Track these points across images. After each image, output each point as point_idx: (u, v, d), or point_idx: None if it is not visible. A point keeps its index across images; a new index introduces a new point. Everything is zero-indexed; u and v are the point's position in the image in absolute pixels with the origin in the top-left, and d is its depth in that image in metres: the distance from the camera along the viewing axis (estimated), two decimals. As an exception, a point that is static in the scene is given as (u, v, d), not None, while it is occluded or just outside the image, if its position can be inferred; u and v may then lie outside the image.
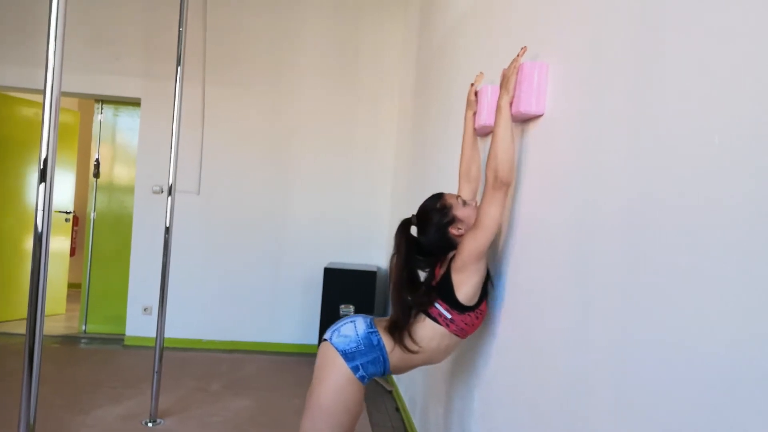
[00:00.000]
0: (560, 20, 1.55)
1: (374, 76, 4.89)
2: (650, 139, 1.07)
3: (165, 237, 3.15)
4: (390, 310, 1.83)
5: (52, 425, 2.90)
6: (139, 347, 4.57)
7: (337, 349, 1.73)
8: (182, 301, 4.58)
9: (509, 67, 1.66)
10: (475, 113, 1.99)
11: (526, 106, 1.59)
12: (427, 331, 1.75)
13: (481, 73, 2.01)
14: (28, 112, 5.24)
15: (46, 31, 1.73)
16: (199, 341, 4.73)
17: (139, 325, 4.67)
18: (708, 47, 0.93)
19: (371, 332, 1.76)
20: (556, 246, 1.45)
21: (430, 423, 2.66)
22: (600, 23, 1.32)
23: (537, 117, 1.63)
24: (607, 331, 1.17)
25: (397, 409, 3.49)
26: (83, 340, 4.77)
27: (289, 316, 4.80)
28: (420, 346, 1.74)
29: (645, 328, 1.03)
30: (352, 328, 1.77)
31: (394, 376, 3.93)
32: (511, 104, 1.64)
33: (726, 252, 0.85)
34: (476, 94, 1.99)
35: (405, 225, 1.88)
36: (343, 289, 4.27)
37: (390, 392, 3.83)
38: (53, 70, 1.73)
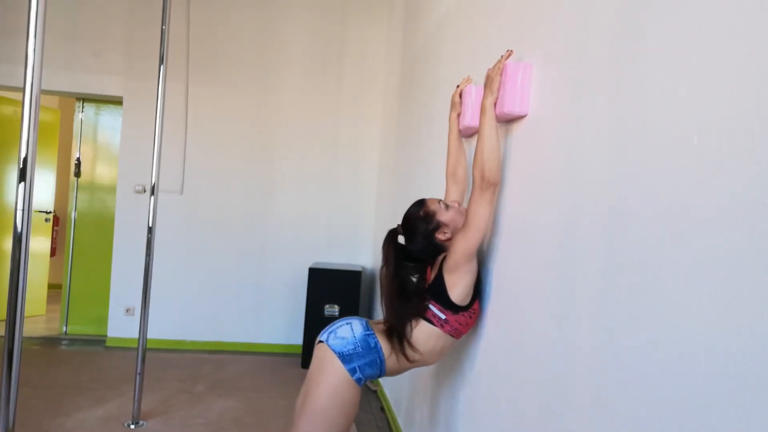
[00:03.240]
0: (544, 21, 1.57)
1: (359, 75, 4.89)
2: (632, 139, 1.08)
3: (148, 237, 3.12)
4: (384, 316, 1.83)
5: (32, 428, 2.85)
6: (122, 348, 4.52)
7: (334, 350, 1.72)
8: (165, 302, 4.53)
9: (493, 67, 1.67)
10: (459, 114, 2.00)
11: (510, 107, 1.60)
12: (423, 333, 1.75)
13: (468, 77, 2.02)
14: (7, 110, 5.16)
15: (26, 27, 1.71)
16: (183, 342, 4.69)
17: (121, 326, 4.62)
18: (688, 49, 0.94)
19: (368, 334, 1.75)
20: (540, 247, 1.46)
21: (415, 423, 2.67)
22: (583, 25, 1.33)
23: (521, 117, 1.64)
24: (589, 332, 1.18)
25: (382, 409, 3.49)
26: (64, 342, 4.71)
27: (273, 316, 4.78)
28: (420, 352, 1.74)
29: (627, 330, 1.04)
30: (349, 329, 1.76)
31: (379, 376, 3.93)
32: (495, 105, 1.65)
33: (708, 252, 0.86)
34: (461, 95, 1.99)
35: (392, 235, 1.89)
36: (328, 289, 4.26)
37: (375, 392, 3.83)
38: (33, 67, 1.71)
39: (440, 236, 1.81)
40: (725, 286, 0.82)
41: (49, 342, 4.67)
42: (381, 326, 1.81)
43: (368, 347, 1.73)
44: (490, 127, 1.63)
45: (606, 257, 1.14)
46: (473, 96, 1.90)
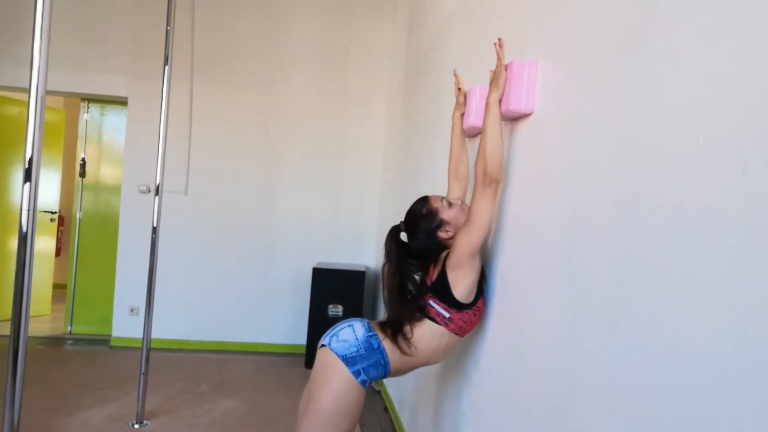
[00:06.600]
0: (550, 18, 1.56)
1: (363, 75, 4.89)
2: (637, 138, 1.08)
3: (152, 237, 3.13)
4: (385, 314, 1.83)
5: (36, 427, 2.86)
6: (126, 348, 4.53)
7: (337, 354, 1.72)
8: (169, 302, 4.55)
9: (497, 64, 1.66)
10: (463, 114, 2.00)
11: (515, 104, 1.59)
12: (426, 331, 1.74)
13: (454, 70, 2.01)
14: (13, 110, 5.18)
15: (31, 28, 1.71)
16: (187, 342, 4.70)
17: (125, 326, 4.63)
18: (694, 47, 0.94)
19: (371, 336, 1.75)
20: (546, 245, 1.45)
21: (419, 424, 2.66)
22: (589, 22, 1.33)
23: (526, 115, 1.64)
24: (596, 331, 1.18)
25: (386, 409, 3.49)
26: (69, 341, 4.73)
27: (277, 316, 4.79)
28: (417, 348, 1.74)
29: (634, 329, 1.04)
30: (351, 332, 1.76)
31: (383, 376, 3.93)
32: (500, 102, 1.64)
33: (713, 250, 0.85)
34: (465, 95, 1.99)
35: (394, 232, 1.88)
36: (332, 289, 4.26)
37: (378, 392, 3.83)
38: (38, 68, 1.71)
39: (442, 234, 1.82)
40: (732, 283, 0.81)
41: (54, 341, 4.69)
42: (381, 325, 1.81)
43: (371, 348, 1.73)
44: (493, 124, 1.63)
45: (613, 256, 1.13)
46: (478, 96, 1.90)
